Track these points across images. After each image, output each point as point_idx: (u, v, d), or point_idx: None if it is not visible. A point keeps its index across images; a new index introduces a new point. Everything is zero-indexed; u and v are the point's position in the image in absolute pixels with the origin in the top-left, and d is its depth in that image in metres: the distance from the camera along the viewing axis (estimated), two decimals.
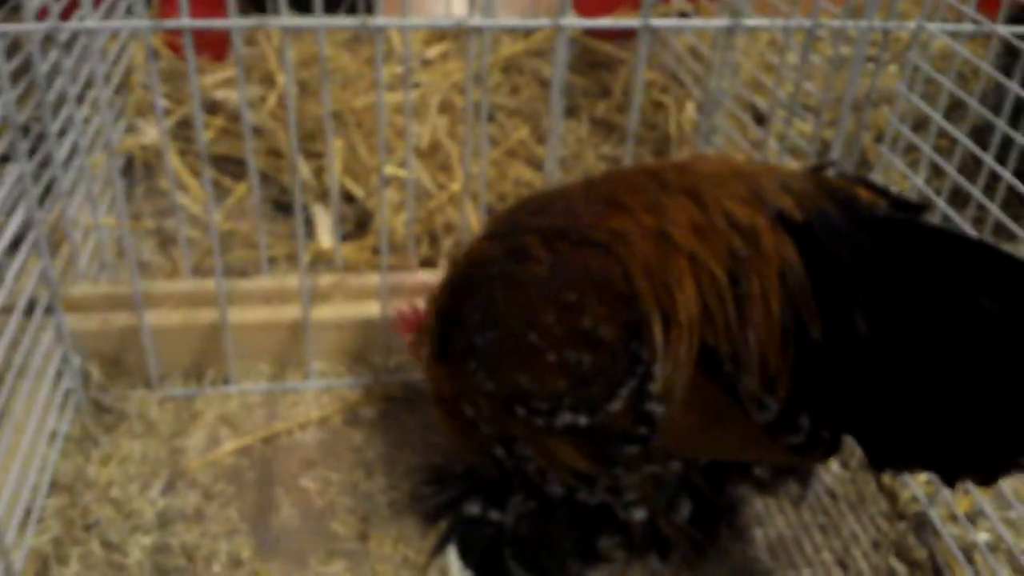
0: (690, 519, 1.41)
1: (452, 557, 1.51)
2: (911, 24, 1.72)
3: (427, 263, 2.14)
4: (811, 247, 1.19)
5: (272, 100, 2.48)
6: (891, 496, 1.69)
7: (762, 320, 1.20)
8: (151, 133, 2.37)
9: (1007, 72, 1.65)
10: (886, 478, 1.71)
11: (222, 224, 2.21)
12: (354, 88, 2.57)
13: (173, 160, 2.29)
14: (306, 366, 1.87)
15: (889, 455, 1.26)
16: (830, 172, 1.30)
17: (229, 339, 1.80)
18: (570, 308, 1.26)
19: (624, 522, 1.43)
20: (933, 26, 1.66)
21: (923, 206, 1.25)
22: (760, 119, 2.44)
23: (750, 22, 1.67)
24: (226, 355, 1.82)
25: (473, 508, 1.51)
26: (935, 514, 1.62)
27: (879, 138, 2.37)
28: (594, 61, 2.90)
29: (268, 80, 2.56)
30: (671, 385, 1.23)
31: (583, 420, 1.27)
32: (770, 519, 1.64)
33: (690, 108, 2.60)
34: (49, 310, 1.67)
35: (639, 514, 1.41)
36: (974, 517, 1.63)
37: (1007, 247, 1.16)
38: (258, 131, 2.41)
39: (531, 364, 1.29)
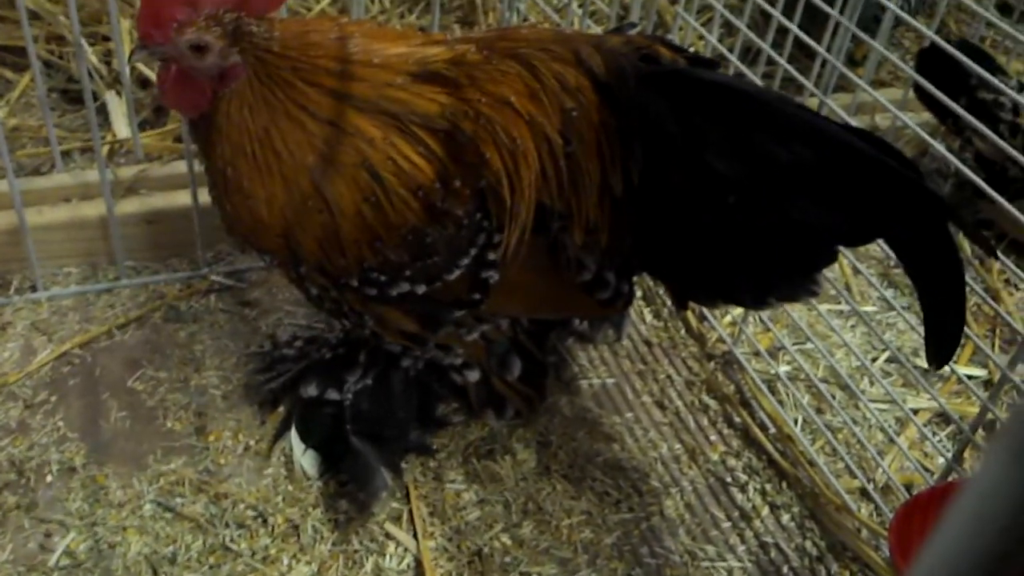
0: (521, 376, 1.48)
1: (294, 439, 1.53)
2: None
3: None
4: (615, 103, 1.24)
5: None
6: (700, 339, 1.83)
7: (588, 176, 1.26)
8: None
9: None
10: (695, 323, 1.84)
11: (8, 120, 2.05)
12: None
13: None
14: (117, 264, 1.80)
15: (694, 293, 1.40)
16: (631, 33, 1.34)
17: (30, 243, 1.70)
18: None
19: (460, 386, 1.49)
20: None
21: (716, 62, 1.32)
22: None
23: None
24: (30, 260, 1.72)
25: (311, 390, 1.53)
26: (740, 352, 1.77)
27: None
28: None
29: None
30: (508, 247, 1.28)
31: (420, 289, 1.29)
32: (593, 370, 1.75)
33: None
34: None
35: (473, 375, 1.47)
36: (774, 352, 1.79)
37: (795, 98, 1.25)
38: (36, 16, 2.21)
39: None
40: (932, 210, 1.14)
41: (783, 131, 1.16)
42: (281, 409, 1.59)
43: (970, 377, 1.78)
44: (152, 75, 2.14)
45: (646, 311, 1.87)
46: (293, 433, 1.53)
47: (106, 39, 2.21)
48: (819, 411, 1.70)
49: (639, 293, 1.90)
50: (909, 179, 1.12)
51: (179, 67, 1.22)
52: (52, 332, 1.70)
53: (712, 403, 1.72)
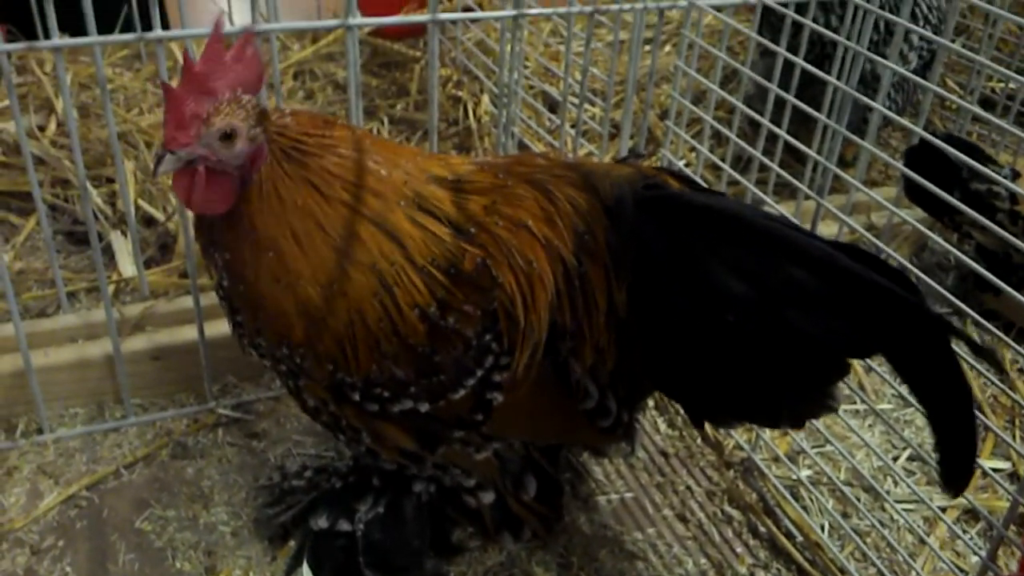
0: (536, 495, 1.45)
1: (307, 574, 1.48)
2: (682, 2, 1.82)
3: None
4: (619, 226, 1.27)
5: (52, 127, 2.34)
6: (717, 447, 1.79)
7: (598, 296, 1.27)
8: None
9: (774, 39, 1.78)
10: (711, 431, 1.81)
11: (13, 264, 2.07)
12: (139, 107, 2.46)
13: None
14: (124, 402, 1.78)
15: (708, 413, 1.39)
16: (638, 162, 1.38)
17: (36, 385, 1.69)
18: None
19: (474, 509, 1.46)
20: (702, 1, 1.76)
21: (721, 193, 1.35)
22: (553, 107, 2.52)
23: (534, 11, 1.72)
24: (36, 402, 1.71)
25: (321, 522, 1.49)
26: (759, 458, 1.74)
27: (663, 115, 2.49)
28: (386, 62, 2.91)
29: (46, 107, 2.41)
30: (519, 366, 1.27)
31: (424, 407, 1.28)
32: (611, 484, 1.71)
33: (486, 101, 2.65)
34: None
35: (488, 497, 1.43)
36: (794, 456, 1.76)
37: (787, 204, 1.26)
38: (41, 161, 2.26)
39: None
40: (931, 332, 1.12)
41: (771, 250, 1.18)
42: (292, 543, 1.55)
43: (995, 470, 1.74)
44: (157, 214, 2.18)
45: (660, 421, 1.85)
46: (305, 568, 1.49)
47: (110, 180, 2.25)
48: (845, 515, 1.66)
49: (652, 404, 1.87)
50: (905, 300, 1.12)
51: (206, 166, 1.20)
52: (59, 474, 1.67)
53: (735, 513, 1.67)
